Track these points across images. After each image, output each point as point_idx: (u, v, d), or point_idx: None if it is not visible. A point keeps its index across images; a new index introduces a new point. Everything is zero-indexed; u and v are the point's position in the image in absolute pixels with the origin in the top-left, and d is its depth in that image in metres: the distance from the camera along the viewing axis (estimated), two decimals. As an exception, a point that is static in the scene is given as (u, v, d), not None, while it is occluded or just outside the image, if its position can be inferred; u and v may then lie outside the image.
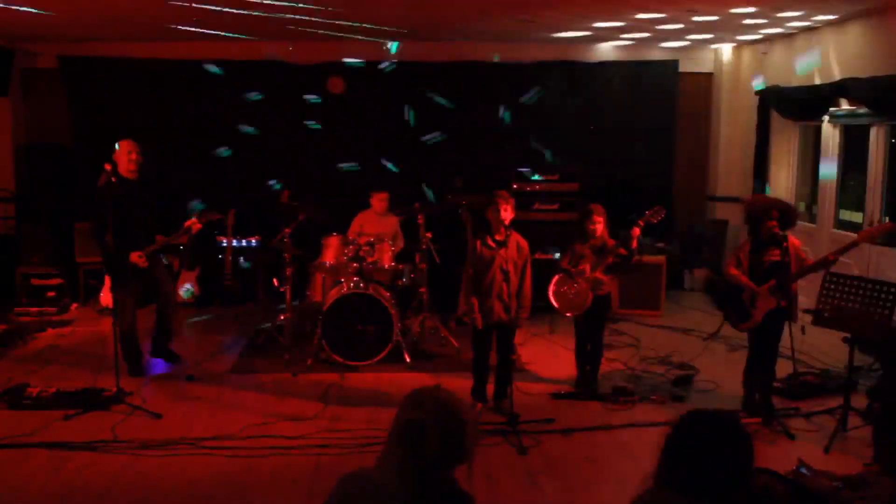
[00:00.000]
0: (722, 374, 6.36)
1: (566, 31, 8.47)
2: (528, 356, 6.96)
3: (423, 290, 7.42)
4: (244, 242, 8.54)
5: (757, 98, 9.03)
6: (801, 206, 8.88)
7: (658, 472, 2.12)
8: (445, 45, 9.32)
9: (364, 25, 7.84)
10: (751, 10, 6.97)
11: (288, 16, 7.01)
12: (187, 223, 6.33)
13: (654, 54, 9.59)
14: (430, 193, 9.28)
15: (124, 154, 6.20)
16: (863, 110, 7.30)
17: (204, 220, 6.39)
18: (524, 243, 5.61)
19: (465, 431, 2.11)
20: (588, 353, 6.11)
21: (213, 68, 9.27)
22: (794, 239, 5.35)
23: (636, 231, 5.66)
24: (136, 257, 6.10)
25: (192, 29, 7.83)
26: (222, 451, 4.94)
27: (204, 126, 9.29)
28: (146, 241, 6.20)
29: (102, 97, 9.21)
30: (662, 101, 9.63)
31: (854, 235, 6.48)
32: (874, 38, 7.15)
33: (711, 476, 2.03)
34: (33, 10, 6.73)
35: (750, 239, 5.42)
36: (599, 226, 5.82)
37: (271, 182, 9.29)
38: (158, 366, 6.63)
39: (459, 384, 5.70)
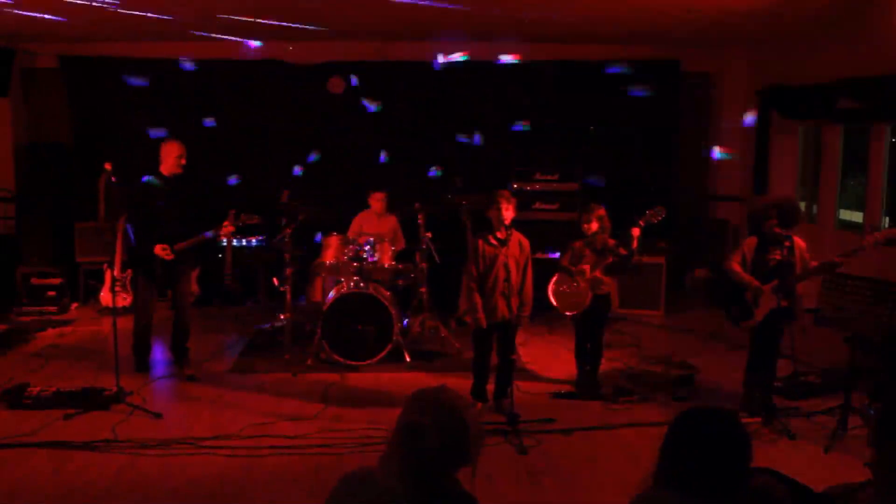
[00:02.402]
0: (722, 373, 6.36)
1: (566, 30, 8.45)
2: (529, 356, 6.96)
3: (423, 289, 7.43)
4: (244, 242, 8.54)
5: (757, 98, 9.02)
6: (802, 206, 8.89)
7: (657, 470, 2.12)
8: (443, 45, 9.30)
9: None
10: (751, 9, 6.97)
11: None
12: (224, 225, 6.17)
13: (655, 54, 9.58)
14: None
15: (172, 157, 6.16)
16: (863, 110, 7.29)
17: (240, 224, 6.26)
18: (525, 242, 5.61)
19: (468, 434, 2.10)
20: (588, 353, 6.11)
21: (212, 69, 9.26)
22: (800, 241, 5.34)
23: (636, 231, 5.65)
24: (159, 249, 6.09)
25: (193, 30, 7.85)
26: (222, 450, 4.93)
27: (203, 126, 9.28)
28: (175, 239, 6.14)
29: (103, 97, 9.21)
30: (662, 101, 9.63)
31: (856, 236, 6.49)
32: (875, 38, 7.14)
33: (709, 473, 2.03)
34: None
35: (755, 236, 5.41)
36: (594, 224, 5.83)
37: (271, 183, 9.27)
38: (161, 365, 6.63)
39: (460, 384, 5.68)
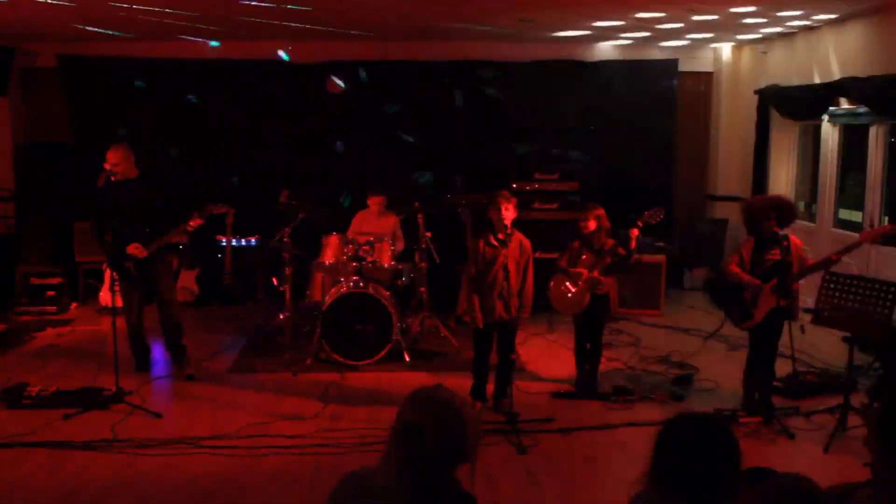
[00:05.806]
0: (722, 373, 6.36)
1: (566, 30, 8.46)
2: (528, 355, 6.96)
3: (422, 289, 7.42)
4: (244, 242, 8.54)
5: (757, 97, 9.03)
6: (801, 206, 8.89)
7: (650, 473, 2.14)
8: (443, 44, 9.30)
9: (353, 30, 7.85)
10: (750, 9, 6.97)
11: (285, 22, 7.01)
12: (193, 217, 6.11)
13: (654, 54, 9.58)
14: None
15: (109, 163, 6.04)
16: (862, 110, 7.30)
17: (206, 215, 6.19)
18: (527, 243, 5.60)
19: (466, 432, 2.10)
20: (587, 353, 6.10)
21: (212, 68, 9.25)
22: (795, 239, 5.34)
23: (634, 231, 5.65)
24: (133, 248, 6.05)
25: (192, 29, 7.83)
26: (222, 450, 4.93)
27: (202, 125, 9.28)
28: (150, 237, 6.12)
29: (102, 96, 9.20)
30: (662, 100, 9.62)
31: (854, 235, 6.49)
32: (874, 38, 7.14)
33: (698, 479, 2.05)
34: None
35: (753, 237, 5.42)
36: (591, 224, 5.82)
37: (269, 181, 9.26)
38: (161, 365, 6.63)
39: (459, 383, 5.69)
